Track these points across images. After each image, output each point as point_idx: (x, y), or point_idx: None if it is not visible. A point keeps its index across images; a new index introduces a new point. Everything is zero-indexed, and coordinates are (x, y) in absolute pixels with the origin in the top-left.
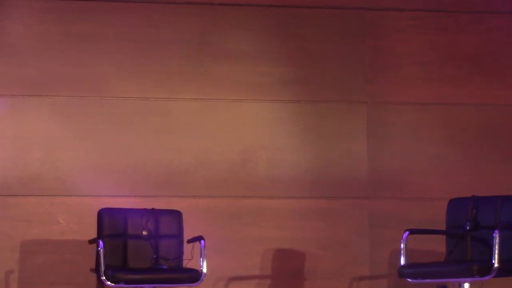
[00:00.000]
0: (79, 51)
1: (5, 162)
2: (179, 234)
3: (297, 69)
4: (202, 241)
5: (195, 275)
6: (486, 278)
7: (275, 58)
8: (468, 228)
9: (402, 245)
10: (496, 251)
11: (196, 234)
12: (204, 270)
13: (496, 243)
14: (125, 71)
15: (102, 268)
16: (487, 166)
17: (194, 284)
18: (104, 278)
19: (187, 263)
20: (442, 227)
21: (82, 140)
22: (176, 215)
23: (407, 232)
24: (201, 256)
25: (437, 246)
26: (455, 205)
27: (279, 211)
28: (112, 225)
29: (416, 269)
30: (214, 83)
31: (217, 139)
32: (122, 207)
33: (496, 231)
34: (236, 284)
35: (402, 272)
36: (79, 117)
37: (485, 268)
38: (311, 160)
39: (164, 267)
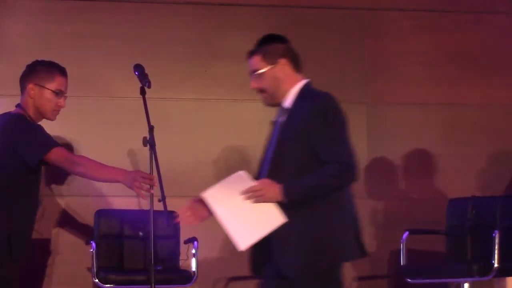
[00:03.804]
0: (79, 51)
1: None
2: (175, 235)
3: None
4: (195, 242)
5: (187, 276)
6: (486, 278)
7: None
8: (468, 228)
9: (402, 245)
10: (496, 251)
11: (195, 235)
12: (196, 271)
13: (496, 243)
14: (125, 71)
15: (95, 269)
16: (487, 166)
17: (187, 285)
18: (96, 279)
19: (182, 263)
20: (442, 227)
21: (82, 140)
22: (172, 216)
23: (407, 232)
24: (193, 257)
25: (437, 246)
26: (455, 205)
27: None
28: (109, 226)
29: (416, 269)
30: (214, 83)
31: (217, 139)
32: (122, 207)
33: (496, 231)
34: (236, 284)
35: (402, 272)
36: (79, 117)
37: (485, 268)
38: None
39: (159, 268)
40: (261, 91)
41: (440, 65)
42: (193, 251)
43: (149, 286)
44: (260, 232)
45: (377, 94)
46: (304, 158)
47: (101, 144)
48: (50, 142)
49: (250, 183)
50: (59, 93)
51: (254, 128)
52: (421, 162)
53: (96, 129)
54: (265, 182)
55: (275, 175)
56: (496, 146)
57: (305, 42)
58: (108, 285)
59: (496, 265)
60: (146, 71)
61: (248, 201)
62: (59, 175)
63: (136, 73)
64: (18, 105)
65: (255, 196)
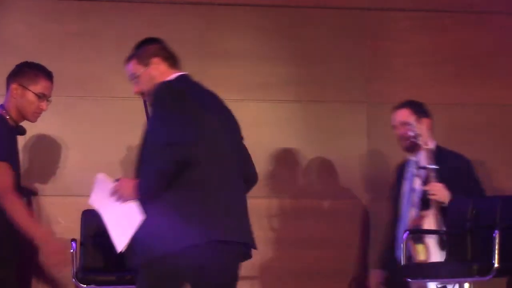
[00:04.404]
0: (79, 51)
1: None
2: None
3: (297, 69)
4: None
5: None
6: (486, 278)
7: (275, 58)
8: (468, 228)
9: (402, 245)
10: (496, 251)
11: None
12: None
13: (496, 243)
14: (125, 71)
15: (74, 269)
16: (487, 166)
17: None
18: (76, 280)
19: None
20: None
21: (82, 140)
22: None
23: (407, 232)
24: None
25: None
26: (455, 205)
27: (278, 211)
28: (95, 226)
29: (416, 269)
30: (214, 83)
31: None
32: None
33: (496, 231)
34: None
35: (402, 272)
36: (79, 117)
37: (485, 268)
38: (311, 160)
39: None
40: (142, 94)
41: (440, 65)
42: None
43: (126, 287)
44: (129, 232)
45: (377, 94)
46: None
47: (101, 144)
48: (2, 155)
49: (111, 184)
50: (41, 97)
51: (254, 128)
52: None
53: (96, 129)
54: (122, 181)
55: (137, 171)
56: (496, 146)
57: (305, 42)
58: (88, 286)
59: (496, 265)
60: None
61: (116, 202)
62: (59, 175)
63: None
64: (1, 106)
65: (116, 197)
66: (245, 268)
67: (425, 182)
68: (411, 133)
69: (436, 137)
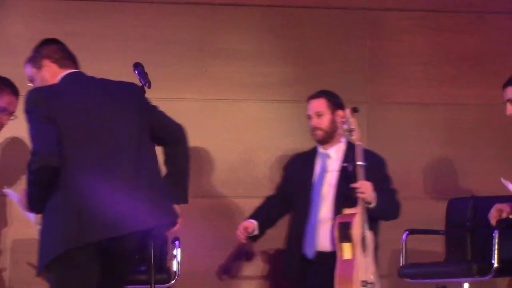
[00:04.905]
0: (79, 51)
1: (5, 162)
2: (163, 234)
3: (297, 69)
4: (177, 242)
5: (165, 277)
6: (486, 278)
7: (275, 58)
8: (468, 228)
9: (402, 245)
10: (496, 251)
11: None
12: (177, 271)
13: (496, 243)
14: (125, 71)
15: None
16: (487, 166)
17: (167, 285)
18: None
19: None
20: (442, 227)
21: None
22: None
23: (407, 232)
24: (174, 257)
25: (437, 246)
26: (455, 205)
27: None
28: None
29: (416, 269)
30: (214, 83)
31: (217, 139)
32: None
33: (496, 231)
34: (235, 284)
35: (402, 272)
36: None
37: (485, 268)
38: None
39: (144, 268)
40: None
41: (440, 65)
42: (174, 251)
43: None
44: None
45: (377, 94)
46: None
47: None
48: None
49: (17, 196)
50: (3, 111)
51: (254, 128)
52: (421, 162)
53: None
54: (22, 191)
55: None
56: (496, 146)
57: (305, 42)
58: None
59: (496, 265)
60: (146, 71)
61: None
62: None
63: (136, 71)
64: None
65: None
66: (245, 268)
67: (349, 179)
68: (345, 126)
69: (435, 137)
